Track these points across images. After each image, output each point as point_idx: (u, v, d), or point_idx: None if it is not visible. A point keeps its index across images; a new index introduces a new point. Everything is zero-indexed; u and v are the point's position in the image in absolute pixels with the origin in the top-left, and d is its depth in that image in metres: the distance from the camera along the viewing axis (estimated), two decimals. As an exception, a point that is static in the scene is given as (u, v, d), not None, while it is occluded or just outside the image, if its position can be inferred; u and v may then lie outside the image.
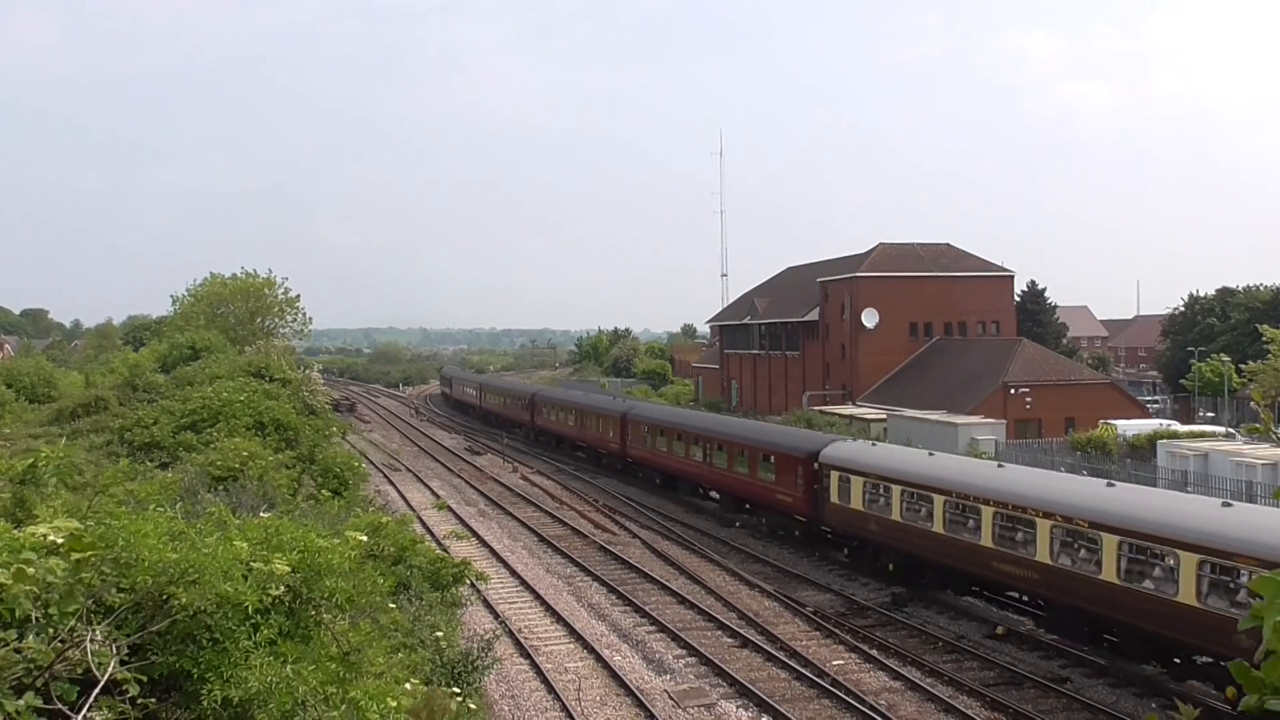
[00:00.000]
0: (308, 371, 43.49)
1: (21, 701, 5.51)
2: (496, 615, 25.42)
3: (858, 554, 30.15)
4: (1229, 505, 19.78)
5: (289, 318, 64.46)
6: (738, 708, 19.57)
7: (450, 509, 40.66)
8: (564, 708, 19.31)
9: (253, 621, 7.13)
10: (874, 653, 22.69)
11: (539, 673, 21.29)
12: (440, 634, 15.12)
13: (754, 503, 37.02)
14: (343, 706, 7.00)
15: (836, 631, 24.37)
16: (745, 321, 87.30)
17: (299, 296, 64.50)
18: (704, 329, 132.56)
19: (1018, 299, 79.84)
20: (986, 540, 23.64)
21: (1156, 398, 74.49)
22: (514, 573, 30.48)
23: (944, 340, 70.22)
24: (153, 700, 6.44)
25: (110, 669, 5.89)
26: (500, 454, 61.43)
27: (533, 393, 70.40)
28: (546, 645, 23.44)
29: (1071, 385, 60.06)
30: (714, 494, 41.67)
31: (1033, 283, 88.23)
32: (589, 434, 55.17)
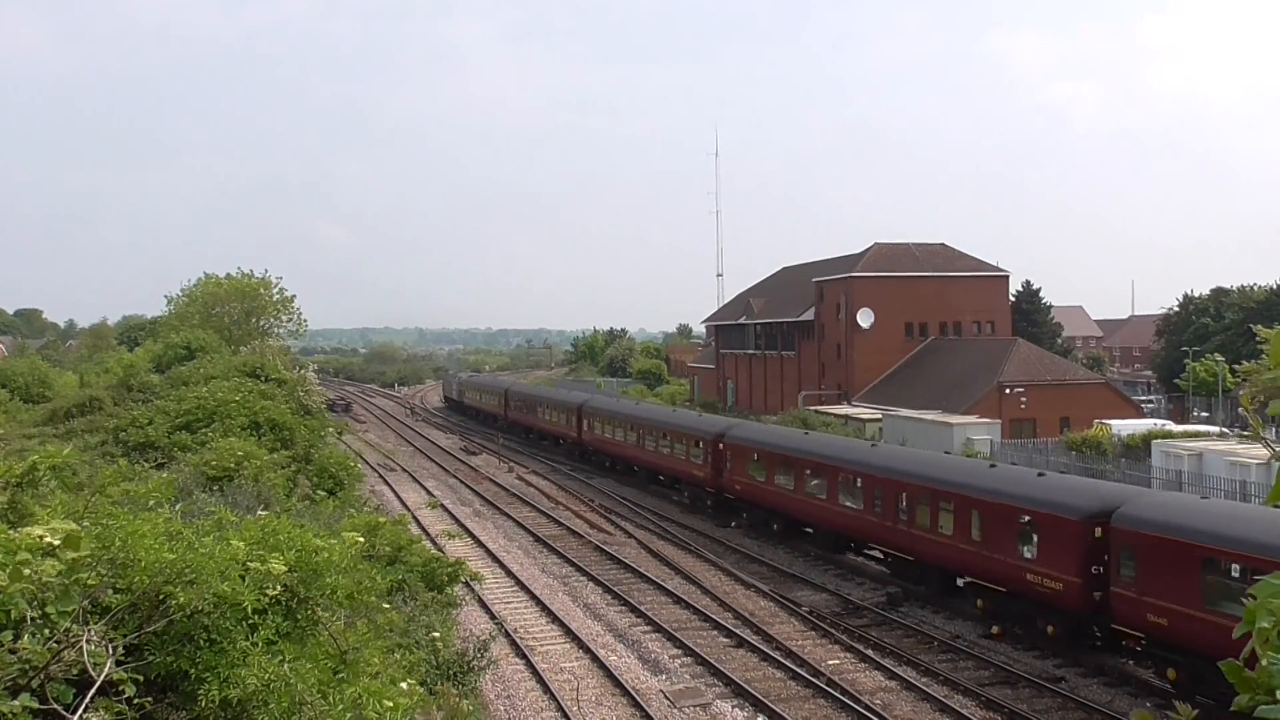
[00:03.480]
0: (303, 371, 43.38)
1: (17, 702, 5.50)
2: (492, 615, 25.41)
3: None
4: None
5: (284, 318, 64.32)
6: (733, 707, 19.58)
7: (445, 509, 40.63)
8: (560, 708, 19.32)
9: (250, 621, 7.14)
10: (869, 652, 22.72)
11: (535, 673, 21.29)
12: (436, 634, 15.12)
13: None
14: (341, 706, 7.00)
15: (832, 631, 24.40)
16: (741, 321, 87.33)
17: (294, 296, 64.40)
18: (700, 329, 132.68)
19: (1013, 299, 79.95)
20: None
21: (1151, 397, 74.71)
22: (509, 573, 30.47)
23: (939, 340, 70.31)
24: (150, 700, 6.44)
25: (106, 669, 5.88)
26: (496, 454, 61.40)
27: (720, 431, 39.81)
28: (542, 645, 23.44)
29: (1066, 385, 60.14)
30: None
31: (1028, 283, 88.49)
32: (886, 526, 28.53)
